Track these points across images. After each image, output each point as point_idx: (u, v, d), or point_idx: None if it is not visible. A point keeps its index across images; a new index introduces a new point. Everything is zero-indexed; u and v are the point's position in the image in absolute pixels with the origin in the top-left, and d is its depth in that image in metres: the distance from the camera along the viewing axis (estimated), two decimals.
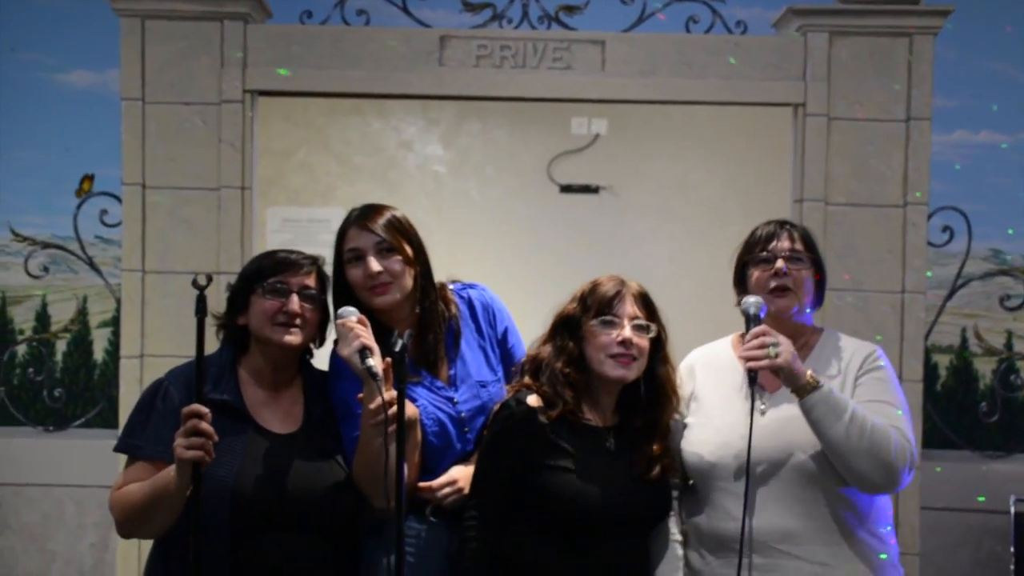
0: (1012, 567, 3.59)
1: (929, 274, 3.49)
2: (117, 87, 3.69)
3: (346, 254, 2.44)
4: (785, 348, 2.25)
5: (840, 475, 2.29)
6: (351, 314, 2.30)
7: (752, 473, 2.28)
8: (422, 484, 2.42)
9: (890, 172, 3.63)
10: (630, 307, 2.34)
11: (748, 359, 2.26)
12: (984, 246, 3.78)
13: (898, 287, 3.61)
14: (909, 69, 3.62)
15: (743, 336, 2.53)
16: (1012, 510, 3.64)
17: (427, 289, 2.50)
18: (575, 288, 2.45)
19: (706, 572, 2.39)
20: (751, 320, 2.32)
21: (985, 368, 3.79)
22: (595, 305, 2.35)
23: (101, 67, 3.82)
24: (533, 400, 2.34)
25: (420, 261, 2.49)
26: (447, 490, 2.43)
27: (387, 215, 2.47)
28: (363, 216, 2.46)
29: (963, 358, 3.78)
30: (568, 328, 2.38)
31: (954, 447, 3.75)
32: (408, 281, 2.44)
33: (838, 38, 3.64)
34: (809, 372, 2.27)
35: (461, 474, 2.44)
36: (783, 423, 2.33)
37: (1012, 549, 3.60)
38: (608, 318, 2.33)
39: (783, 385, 2.32)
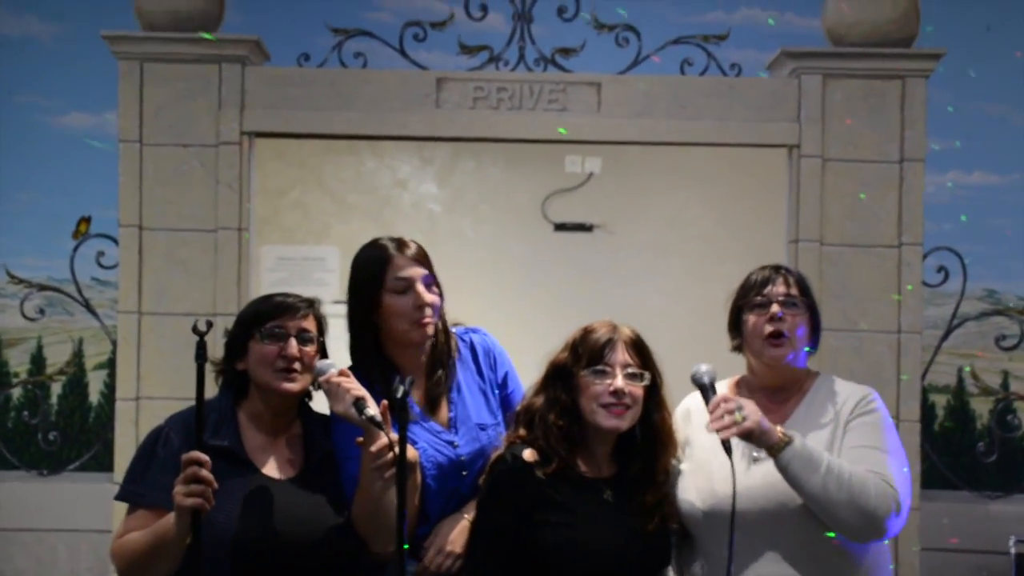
0: None
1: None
2: (115, 129, 3.70)
3: (393, 282, 2.41)
4: (751, 411, 2.21)
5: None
6: (330, 367, 2.28)
7: (746, 522, 2.25)
8: (415, 572, 2.40)
9: (884, 213, 3.65)
10: (622, 355, 2.29)
11: (718, 429, 2.21)
12: (979, 286, 3.80)
13: (894, 327, 3.62)
14: (902, 110, 3.65)
15: (739, 382, 2.54)
16: (1012, 551, 3.62)
17: (443, 327, 2.51)
18: (569, 329, 2.41)
19: None
20: (707, 389, 2.30)
21: (982, 408, 3.80)
22: (586, 354, 2.30)
23: (99, 109, 3.82)
24: (528, 454, 2.29)
25: (442, 297, 2.51)
26: (439, 559, 2.41)
27: (419, 246, 2.48)
28: (404, 246, 2.46)
29: (960, 397, 3.78)
30: (560, 378, 2.33)
31: (953, 487, 3.75)
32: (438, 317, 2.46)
33: (831, 80, 3.68)
34: (779, 429, 2.24)
35: (448, 536, 2.42)
36: (772, 471, 2.27)
37: None
38: (599, 367, 2.28)
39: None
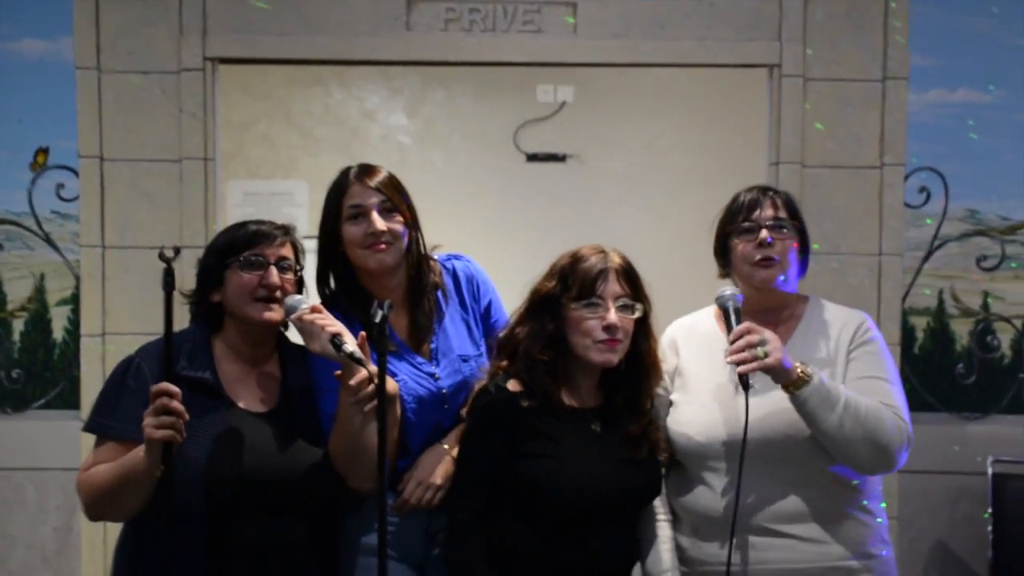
0: (990, 528, 3.60)
1: None
2: (71, 55, 3.55)
3: (348, 210, 2.37)
4: (773, 346, 2.15)
5: (829, 454, 2.24)
6: (301, 303, 2.21)
7: (746, 452, 2.21)
8: (394, 505, 2.35)
9: (866, 133, 3.59)
10: (614, 286, 2.20)
11: (736, 363, 2.15)
12: (961, 206, 3.75)
13: (875, 249, 3.58)
14: (885, 27, 3.57)
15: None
16: (990, 471, 3.64)
17: (419, 256, 2.44)
18: (543, 262, 2.32)
19: (694, 552, 2.34)
20: (730, 315, 2.23)
21: (962, 330, 3.77)
22: (576, 284, 2.20)
23: (53, 35, 3.67)
24: (513, 385, 2.22)
25: (415, 226, 2.43)
26: (419, 492, 2.36)
27: (387, 174, 2.42)
28: (365, 173, 2.40)
29: (940, 319, 3.76)
30: (547, 307, 2.24)
31: (932, 409, 3.74)
32: (404, 244, 2.39)
33: None
34: (798, 365, 2.18)
35: (428, 468, 2.37)
36: (771, 401, 2.24)
37: (990, 510, 3.61)
38: (592, 300, 2.19)
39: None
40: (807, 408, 2.17)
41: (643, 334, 2.28)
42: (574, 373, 2.27)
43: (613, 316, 2.19)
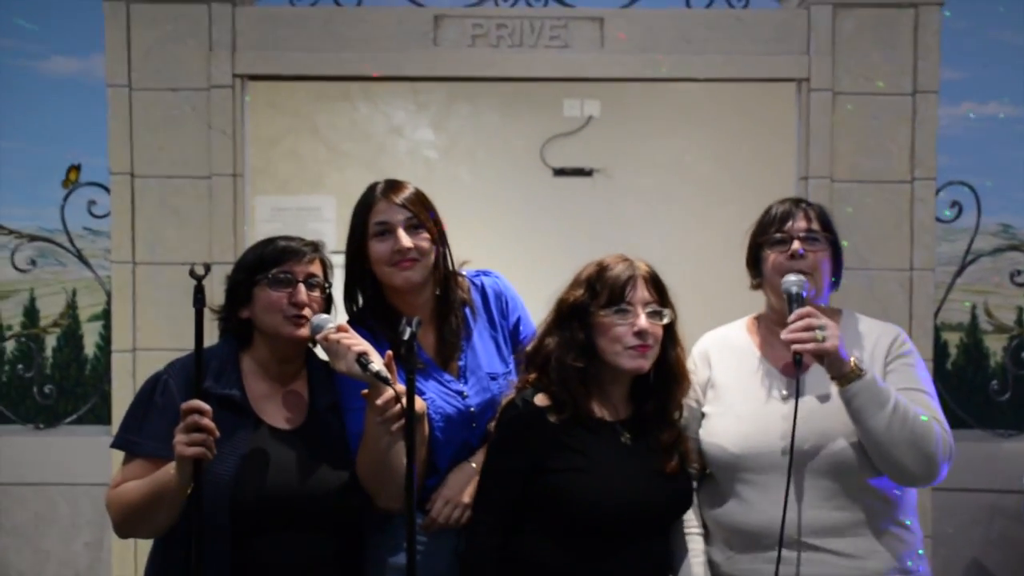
0: None
1: None
2: (102, 73, 3.59)
3: (373, 227, 2.36)
4: (832, 332, 2.14)
5: (871, 466, 2.21)
6: (327, 323, 2.20)
7: (780, 464, 2.20)
8: (422, 525, 2.34)
9: (896, 147, 3.56)
10: (643, 292, 2.21)
11: (793, 342, 2.15)
12: (993, 221, 3.72)
13: (906, 264, 3.55)
14: (915, 40, 3.54)
15: (758, 319, 2.46)
16: None
17: (446, 272, 2.43)
18: (573, 271, 2.31)
19: (728, 567, 2.31)
20: (793, 300, 2.22)
21: (996, 346, 3.74)
22: (605, 292, 2.20)
23: (85, 53, 3.71)
24: (541, 399, 2.21)
25: (442, 242, 2.42)
26: (447, 510, 2.35)
27: (413, 190, 2.41)
28: (391, 190, 2.39)
29: (973, 335, 3.72)
30: (575, 316, 2.23)
31: (965, 426, 3.70)
32: (431, 261, 2.38)
33: (842, 10, 3.57)
34: (853, 359, 2.17)
35: (456, 486, 2.36)
36: (809, 411, 2.23)
37: None
38: (622, 307, 2.19)
39: (813, 370, 2.23)
40: (856, 403, 2.15)
41: (671, 342, 2.27)
42: (605, 383, 2.26)
43: (644, 321, 2.19)
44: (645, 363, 2.21)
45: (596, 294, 2.22)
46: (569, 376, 2.21)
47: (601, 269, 2.24)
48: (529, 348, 2.33)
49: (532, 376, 2.27)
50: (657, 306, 2.22)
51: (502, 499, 2.21)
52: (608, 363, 2.22)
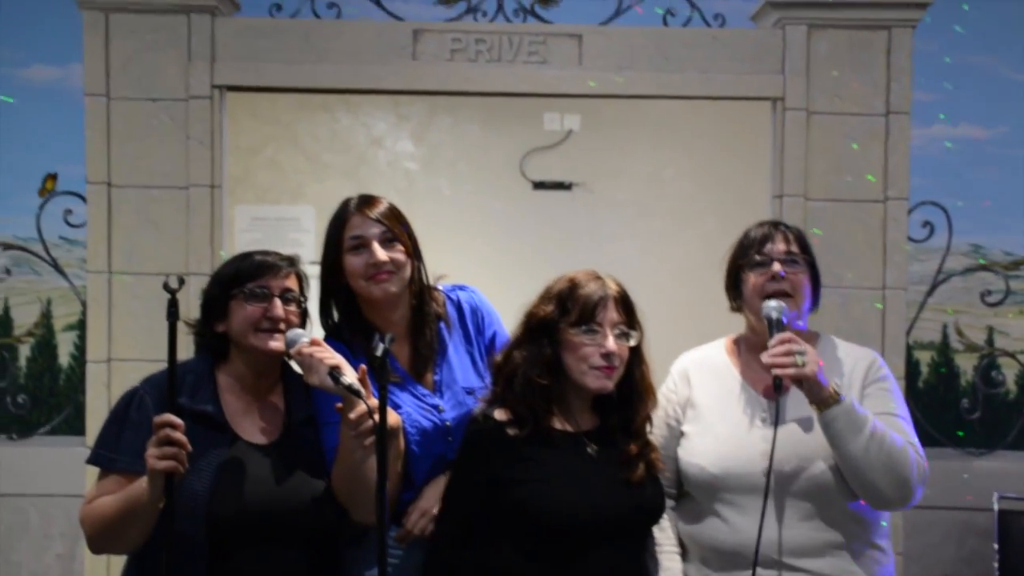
0: (996, 564, 3.58)
1: None
2: (80, 82, 3.58)
3: (348, 241, 2.38)
4: (811, 358, 2.17)
5: (849, 489, 2.24)
6: (300, 336, 2.22)
7: (759, 486, 2.22)
8: (396, 536, 2.36)
9: (870, 167, 3.60)
10: (613, 313, 2.21)
11: (773, 366, 2.18)
12: (964, 241, 3.76)
13: (879, 283, 3.58)
14: (888, 62, 3.59)
15: (737, 340, 2.48)
16: (995, 507, 3.63)
17: (421, 286, 2.45)
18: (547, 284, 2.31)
19: None
20: (774, 325, 2.25)
21: (967, 364, 3.78)
22: (576, 310, 2.20)
23: (63, 62, 3.70)
24: (500, 414, 2.22)
25: (416, 256, 2.44)
26: (421, 522, 2.36)
27: (387, 205, 2.43)
28: (365, 204, 2.41)
29: (944, 354, 3.76)
30: (544, 332, 2.23)
31: (936, 444, 3.73)
32: (407, 274, 2.39)
33: (817, 31, 3.61)
34: (832, 384, 2.20)
35: (430, 498, 2.37)
36: (790, 434, 2.26)
37: (996, 546, 3.59)
38: (591, 327, 2.19)
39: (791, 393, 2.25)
40: (834, 428, 2.18)
41: (636, 360, 2.27)
42: (568, 397, 2.26)
43: (612, 344, 2.19)
44: (609, 384, 2.22)
45: (566, 311, 2.22)
46: (533, 392, 2.21)
47: (573, 286, 2.24)
48: (498, 359, 2.33)
49: (498, 391, 2.28)
50: (625, 327, 2.23)
51: (464, 512, 2.21)
52: (573, 380, 2.23)
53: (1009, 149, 3.75)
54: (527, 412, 2.21)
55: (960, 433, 3.74)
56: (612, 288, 2.24)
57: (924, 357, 3.77)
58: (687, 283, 3.95)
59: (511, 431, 2.20)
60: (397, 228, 2.39)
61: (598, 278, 2.26)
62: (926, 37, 3.67)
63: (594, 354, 2.19)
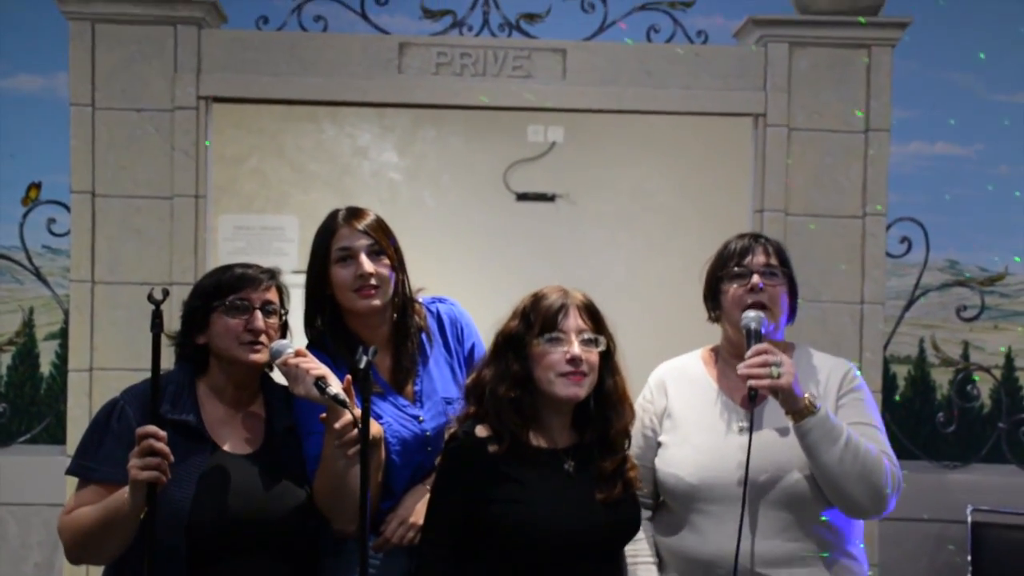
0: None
1: None
2: (65, 92, 3.59)
3: (336, 253, 2.40)
4: (787, 369, 2.20)
5: (824, 498, 2.27)
6: (286, 348, 2.24)
7: (735, 495, 2.24)
8: (374, 545, 2.37)
9: (849, 183, 3.64)
10: (576, 320, 2.21)
11: (750, 377, 2.20)
12: (941, 257, 3.81)
13: (857, 298, 3.62)
14: (868, 80, 3.64)
15: (714, 351, 2.51)
16: (969, 520, 3.66)
17: (404, 298, 2.47)
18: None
19: None
20: (752, 336, 2.27)
21: (942, 379, 3.82)
22: (539, 321, 2.21)
23: (49, 71, 3.70)
24: (481, 430, 2.22)
25: (401, 268, 2.46)
26: (401, 530, 2.38)
27: (374, 217, 2.46)
28: (353, 216, 2.43)
29: (921, 368, 3.81)
30: (511, 347, 2.24)
31: (912, 457, 3.77)
32: (391, 288, 2.41)
33: (798, 49, 3.66)
34: (807, 395, 2.23)
35: (410, 507, 2.39)
36: (766, 444, 2.28)
37: (969, 558, 3.63)
38: (554, 334, 2.20)
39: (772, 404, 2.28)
40: (810, 439, 2.21)
41: (608, 370, 2.27)
42: (543, 412, 2.25)
43: (576, 348, 2.19)
44: (580, 391, 2.21)
45: (530, 324, 2.23)
46: (503, 407, 2.21)
47: (536, 300, 2.26)
48: (469, 380, 2.34)
49: (472, 409, 2.28)
50: (591, 333, 2.23)
51: (447, 528, 2.21)
52: (544, 392, 2.22)
53: (985, 167, 3.81)
54: (502, 428, 2.21)
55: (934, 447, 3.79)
56: (575, 297, 2.26)
57: (901, 371, 3.82)
58: (668, 295, 3.98)
59: (491, 448, 2.20)
60: (384, 241, 2.41)
61: (562, 290, 2.27)
62: (905, 55, 3.72)
63: (560, 361, 2.19)
